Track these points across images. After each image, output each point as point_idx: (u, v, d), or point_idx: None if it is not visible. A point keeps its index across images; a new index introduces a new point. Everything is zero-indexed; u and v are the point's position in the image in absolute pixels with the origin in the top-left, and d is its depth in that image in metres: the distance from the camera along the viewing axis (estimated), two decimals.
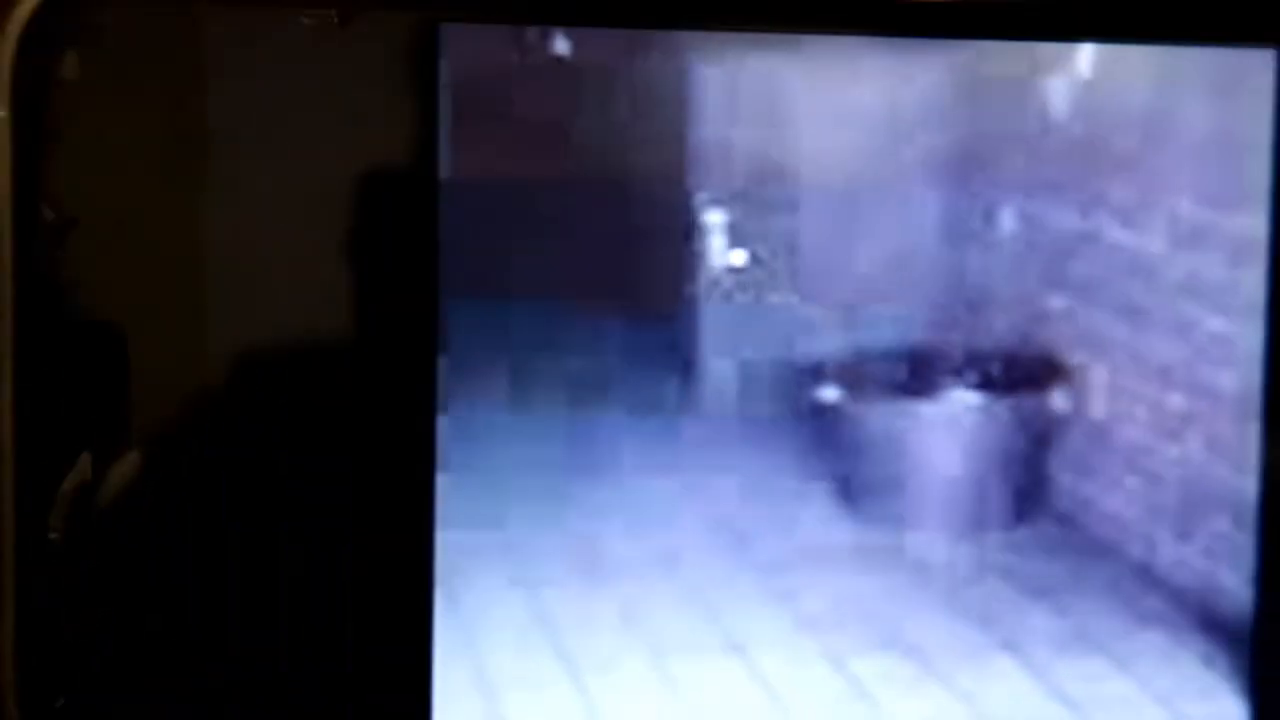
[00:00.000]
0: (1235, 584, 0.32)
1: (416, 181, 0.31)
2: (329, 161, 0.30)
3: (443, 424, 0.31)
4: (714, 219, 0.31)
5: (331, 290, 0.30)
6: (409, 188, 0.31)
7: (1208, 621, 0.32)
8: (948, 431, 0.32)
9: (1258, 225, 0.32)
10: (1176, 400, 0.32)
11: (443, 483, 0.31)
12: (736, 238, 0.31)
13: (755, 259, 0.31)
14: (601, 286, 0.31)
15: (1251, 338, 0.32)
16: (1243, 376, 0.32)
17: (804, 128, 0.31)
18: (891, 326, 0.32)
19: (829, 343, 0.32)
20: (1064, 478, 0.32)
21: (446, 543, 0.30)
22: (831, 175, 0.32)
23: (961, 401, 0.32)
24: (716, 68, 0.31)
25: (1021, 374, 0.32)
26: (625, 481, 0.31)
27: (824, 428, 0.32)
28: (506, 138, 0.31)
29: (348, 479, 0.31)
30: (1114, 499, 0.32)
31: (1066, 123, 0.32)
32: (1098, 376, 0.32)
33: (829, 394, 0.31)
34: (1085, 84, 0.32)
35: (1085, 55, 0.32)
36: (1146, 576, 0.32)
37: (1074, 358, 0.32)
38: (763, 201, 0.31)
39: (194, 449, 0.30)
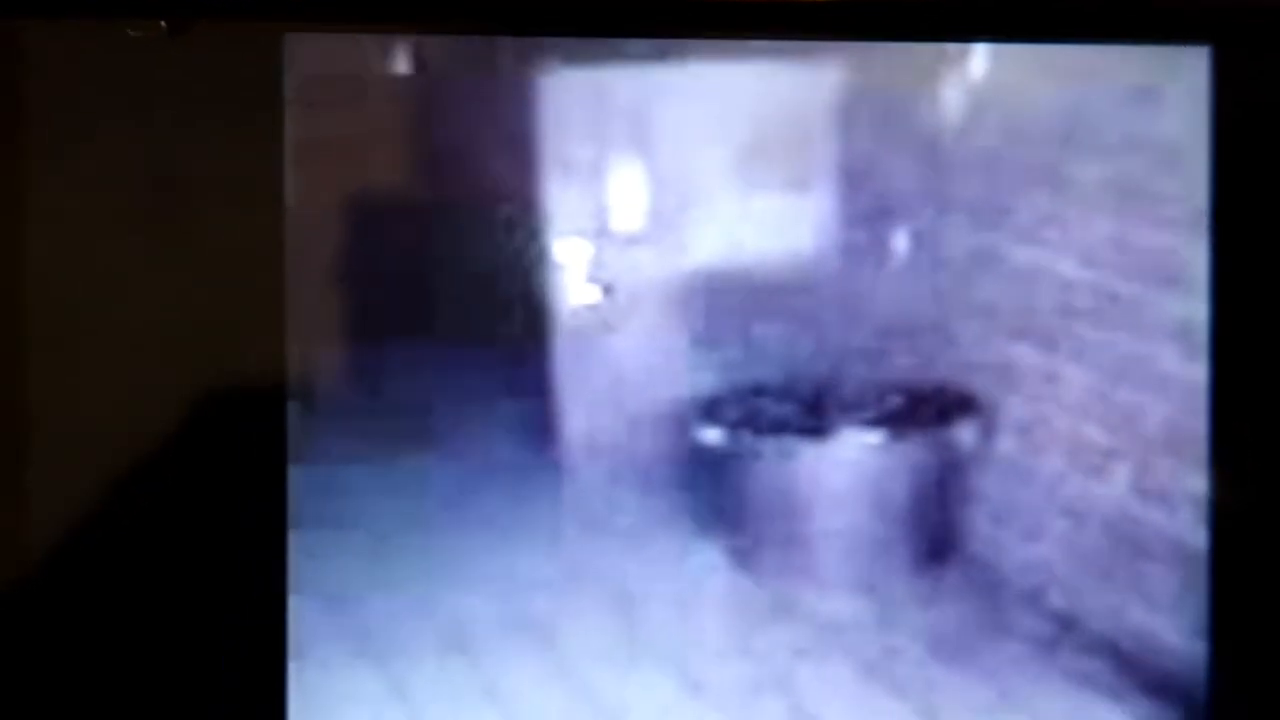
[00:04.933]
0: (1177, 636, 0.28)
1: (261, 208, 0.28)
2: (167, 189, 0.28)
3: (295, 475, 0.28)
4: (572, 250, 0.28)
5: (176, 327, 0.28)
6: (253, 216, 0.28)
7: (1147, 678, 0.29)
8: (846, 473, 0.29)
9: (1194, 245, 0.29)
10: (1098, 433, 0.29)
11: (295, 541, 0.28)
12: (600, 269, 0.28)
13: (617, 291, 0.28)
14: (453, 323, 0.28)
15: (1184, 366, 0.29)
16: (1174, 407, 0.29)
17: (677, 146, 0.28)
18: (780, 359, 0.29)
19: (709, 379, 0.28)
20: (977, 521, 0.29)
21: (300, 609, 0.28)
22: (707, 196, 0.29)
23: (860, 440, 0.29)
24: (576, 82, 0.28)
25: (925, 408, 0.29)
26: (488, 539, 0.28)
27: (707, 473, 0.28)
28: (353, 158, 0.28)
29: (198, 540, 0.28)
30: (1033, 544, 0.29)
31: (969, 136, 0.29)
32: (1009, 408, 0.29)
33: (711, 435, 0.28)
34: (988, 93, 0.29)
35: (989, 62, 0.29)
36: (1074, 629, 0.29)
37: (982, 388, 0.29)
38: (628, 229, 0.28)
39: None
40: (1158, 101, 0.29)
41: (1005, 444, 0.29)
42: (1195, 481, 0.29)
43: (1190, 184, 0.29)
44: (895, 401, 0.29)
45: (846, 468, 0.29)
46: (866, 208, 0.29)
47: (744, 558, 0.29)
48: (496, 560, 0.28)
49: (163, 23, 0.28)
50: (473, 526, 0.28)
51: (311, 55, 0.28)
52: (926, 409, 0.29)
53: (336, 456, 0.28)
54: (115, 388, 0.28)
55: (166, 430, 0.28)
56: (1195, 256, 0.29)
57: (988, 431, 0.29)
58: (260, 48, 0.28)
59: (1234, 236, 0.29)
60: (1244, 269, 0.29)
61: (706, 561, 0.28)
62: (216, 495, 0.28)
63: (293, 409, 0.28)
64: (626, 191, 0.28)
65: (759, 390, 0.29)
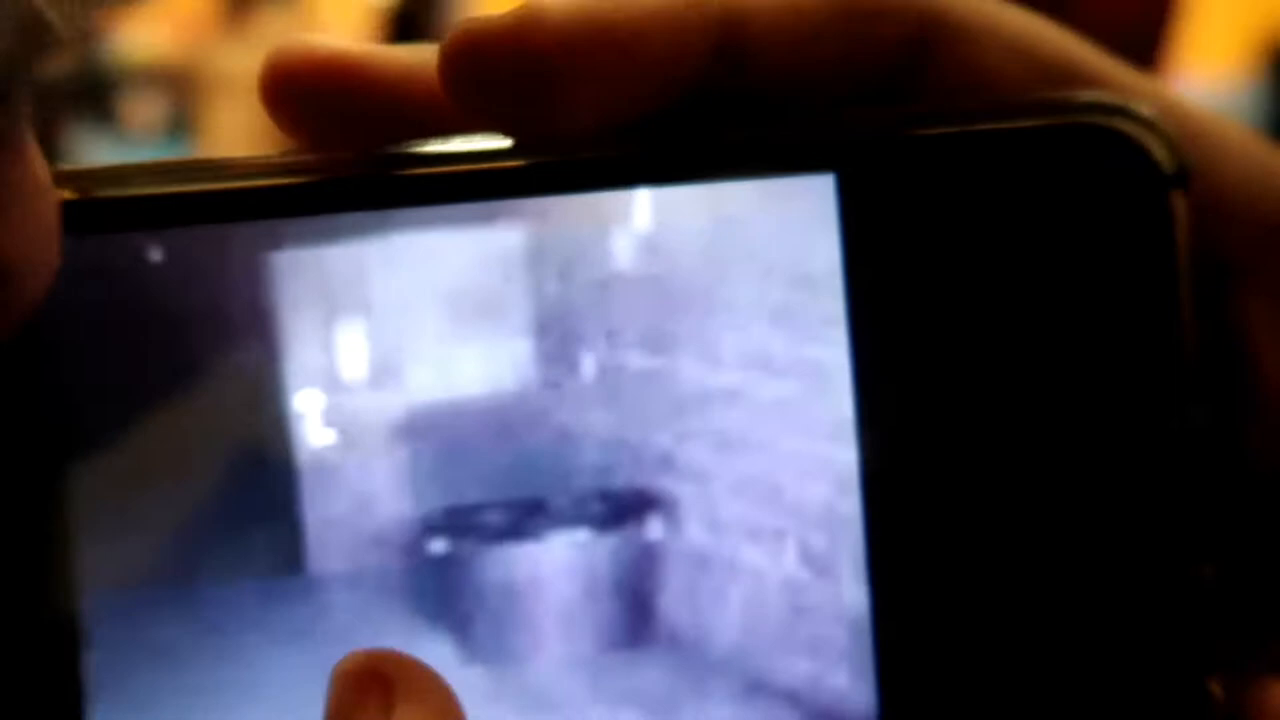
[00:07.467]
0: (849, 683, 0.33)
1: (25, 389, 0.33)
2: None
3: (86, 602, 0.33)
4: (309, 400, 0.33)
5: None
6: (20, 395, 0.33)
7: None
8: (557, 570, 0.34)
9: (835, 350, 0.34)
10: (768, 516, 0.34)
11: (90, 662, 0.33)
12: (334, 414, 0.34)
13: (350, 431, 0.34)
14: (213, 468, 0.33)
15: (836, 454, 0.34)
16: (831, 489, 0.34)
17: (393, 305, 0.34)
18: (494, 479, 0.34)
19: (434, 500, 0.34)
20: (673, 599, 0.34)
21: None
22: (422, 346, 0.34)
23: (567, 540, 0.34)
24: (301, 258, 0.33)
25: (620, 508, 0.34)
26: (248, 655, 0.33)
27: (437, 579, 0.34)
28: (119, 343, 0.33)
29: None
30: (721, 615, 0.34)
31: (636, 269, 0.34)
32: (690, 502, 0.34)
33: (438, 547, 0.33)
34: (649, 230, 0.34)
35: (649, 204, 0.34)
36: (764, 687, 0.34)
37: (666, 487, 0.34)
38: (356, 379, 0.34)
39: None
40: (793, 227, 0.34)
41: (690, 532, 0.34)
42: (854, 552, 0.34)
43: (828, 298, 0.34)
44: (595, 505, 0.34)
45: (557, 565, 0.34)
46: (556, 343, 0.34)
47: (473, 647, 0.34)
48: (264, 671, 0.33)
49: None
50: (243, 643, 0.33)
51: (73, 254, 0.33)
52: (621, 509, 0.34)
53: (121, 578, 0.33)
54: None
55: None
56: (838, 362, 0.34)
57: (674, 523, 0.34)
58: None
59: (870, 342, 0.34)
60: (881, 368, 0.34)
61: (441, 653, 0.33)
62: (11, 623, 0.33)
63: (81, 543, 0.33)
64: (352, 348, 0.34)
65: (478, 506, 0.34)
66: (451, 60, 0.33)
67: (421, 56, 0.35)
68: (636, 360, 0.34)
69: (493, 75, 0.32)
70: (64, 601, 0.33)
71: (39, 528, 0.33)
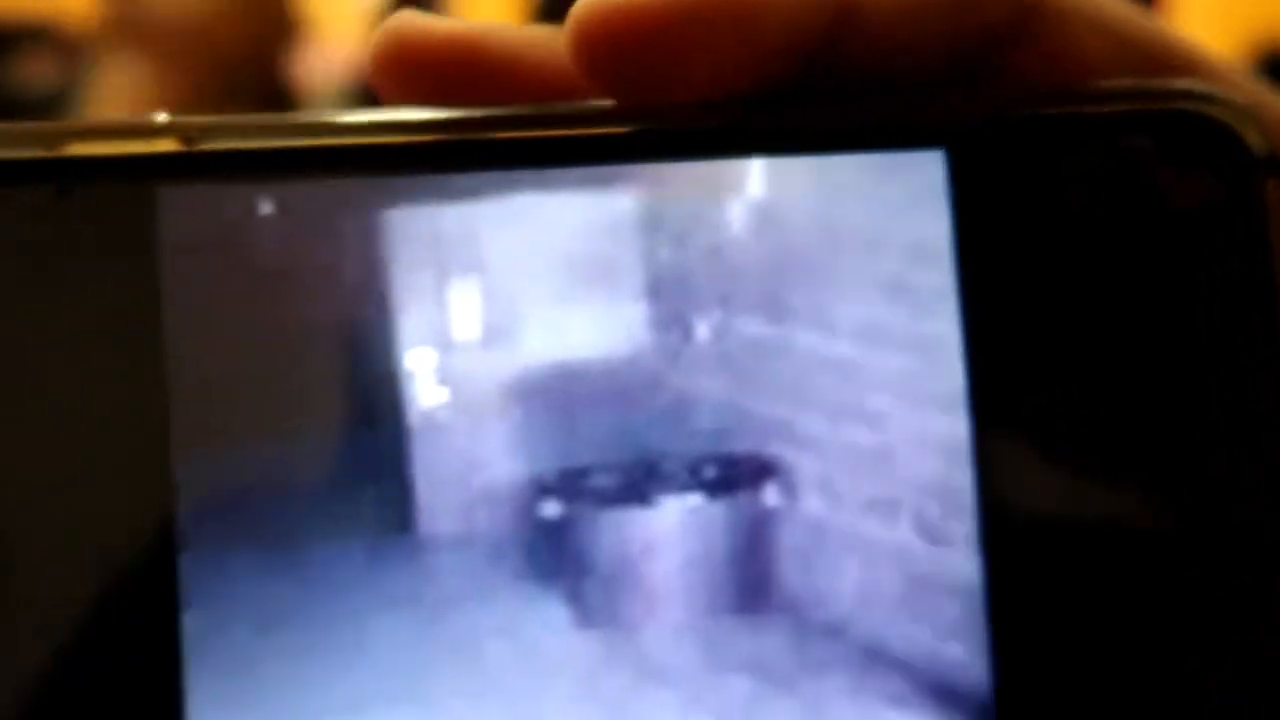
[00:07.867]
0: (966, 656, 0.33)
1: (140, 347, 0.32)
2: (50, 341, 0.32)
3: (185, 561, 0.32)
4: (421, 359, 0.33)
5: (58, 459, 0.32)
6: (132, 356, 0.32)
7: (945, 694, 0.33)
8: (670, 534, 0.33)
9: (946, 323, 0.34)
10: (882, 486, 0.34)
11: (189, 623, 0.32)
12: (446, 373, 0.33)
13: (462, 391, 0.33)
14: (321, 426, 0.33)
15: (948, 425, 0.34)
16: (943, 460, 0.34)
17: (505, 266, 0.33)
18: (606, 442, 0.33)
19: (545, 462, 0.33)
20: (787, 567, 0.34)
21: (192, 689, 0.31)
22: (534, 307, 0.34)
23: (680, 505, 0.33)
24: (416, 216, 0.33)
25: (734, 474, 0.33)
26: (366, 612, 0.32)
27: (549, 542, 0.33)
28: (227, 296, 0.33)
29: (86, 630, 0.31)
30: (836, 584, 0.34)
31: (750, 238, 0.34)
32: (805, 469, 0.34)
33: (550, 509, 0.33)
34: (764, 201, 0.34)
35: (762, 173, 0.34)
36: (879, 656, 0.33)
37: (781, 454, 0.34)
38: (468, 339, 0.33)
39: None
40: (904, 200, 0.34)
41: (805, 500, 0.34)
42: (966, 523, 0.34)
43: (939, 273, 0.34)
44: (709, 471, 0.33)
45: (671, 529, 0.33)
46: (669, 309, 0.34)
47: (585, 612, 0.33)
48: (374, 629, 0.32)
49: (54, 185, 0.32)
50: (353, 602, 0.32)
51: (181, 205, 0.32)
52: (735, 475, 0.34)
53: (227, 537, 0.32)
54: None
55: (64, 533, 0.32)
56: (949, 335, 0.34)
57: (789, 490, 0.33)
58: (136, 200, 0.32)
59: (979, 315, 0.34)
60: (990, 341, 0.34)
61: (552, 617, 0.33)
62: (109, 575, 0.32)
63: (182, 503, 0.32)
64: (465, 307, 0.33)
65: (590, 469, 0.33)
66: (584, 32, 0.33)
67: (534, 35, 0.35)
68: (751, 328, 0.34)
69: (623, 48, 0.32)
70: (161, 560, 0.32)
71: (138, 483, 0.32)
